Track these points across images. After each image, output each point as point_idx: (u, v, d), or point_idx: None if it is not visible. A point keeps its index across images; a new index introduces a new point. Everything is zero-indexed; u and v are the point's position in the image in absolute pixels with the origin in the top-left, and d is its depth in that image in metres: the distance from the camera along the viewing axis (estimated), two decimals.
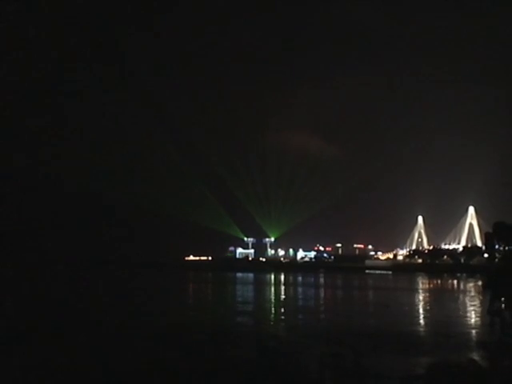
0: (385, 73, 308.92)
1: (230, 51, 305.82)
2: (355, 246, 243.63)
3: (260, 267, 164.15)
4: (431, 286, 76.63)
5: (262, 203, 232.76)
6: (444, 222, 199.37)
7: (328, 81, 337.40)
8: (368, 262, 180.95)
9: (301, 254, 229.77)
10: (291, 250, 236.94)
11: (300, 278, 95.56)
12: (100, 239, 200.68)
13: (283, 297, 50.73)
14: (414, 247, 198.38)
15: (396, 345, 19.84)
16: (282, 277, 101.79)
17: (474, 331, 25.04)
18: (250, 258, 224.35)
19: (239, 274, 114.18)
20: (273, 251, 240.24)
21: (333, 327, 25.39)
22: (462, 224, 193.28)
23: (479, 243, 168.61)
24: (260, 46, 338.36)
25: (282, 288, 67.58)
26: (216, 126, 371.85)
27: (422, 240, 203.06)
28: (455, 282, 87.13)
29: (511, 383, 9.64)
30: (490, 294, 10.13)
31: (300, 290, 64.32)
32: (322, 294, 56.71)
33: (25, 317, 29.05)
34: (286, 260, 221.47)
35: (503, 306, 10.02)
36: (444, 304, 41.96)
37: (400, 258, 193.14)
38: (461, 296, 53.49)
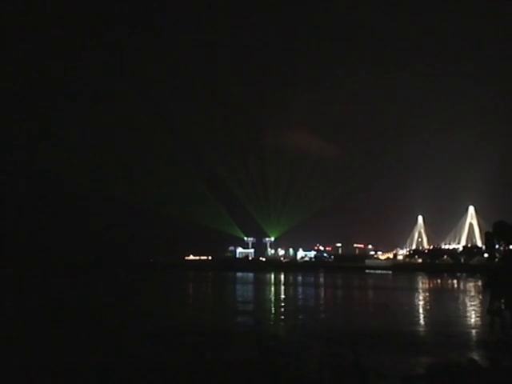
0: (385, 73, 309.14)
1: (230, 51, 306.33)
2: (355, 245, 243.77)
3: (260, 267, 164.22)
4: (431, 285, 76.64)
5: (261, 203, 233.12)
6: (444, 221, 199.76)
7: (328, 81, 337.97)
8: (368, 262, 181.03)
9: (301, 253, 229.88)
10: (291, 250, 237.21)
11: (300, 278, 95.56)
12: (100, 239, 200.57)
13: (283, 296, 50.73)
14: (414, 247, 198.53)
15: (396, 344, 19.86)
16: (282, 276, 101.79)
17: (473, 331, 25.08)
18: (250, 258, 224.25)
19: (239, 274, 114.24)
20: (273, 251, 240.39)
21: (333, 327, 25.40)
22: (461, 224, 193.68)
23: (479, 243, 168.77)
24: (260, 46, 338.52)
25: (282, 288, 67.58)
26: (216, 126, 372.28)
27: (421, 240, 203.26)
28: (455, 281, 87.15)
29: (511, 383, 9.64)
30: (489, 294, 10.11)
31: (300, 289, 64.32)
32: (322, 294, 56.72)
33: (25, 317, 29.03)
34: (286, 260, 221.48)
35: (503, 305, 10.01)
36: (444, 304, 41.97)
37: (400, 257, 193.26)
38: (461, 296, 53.50)
